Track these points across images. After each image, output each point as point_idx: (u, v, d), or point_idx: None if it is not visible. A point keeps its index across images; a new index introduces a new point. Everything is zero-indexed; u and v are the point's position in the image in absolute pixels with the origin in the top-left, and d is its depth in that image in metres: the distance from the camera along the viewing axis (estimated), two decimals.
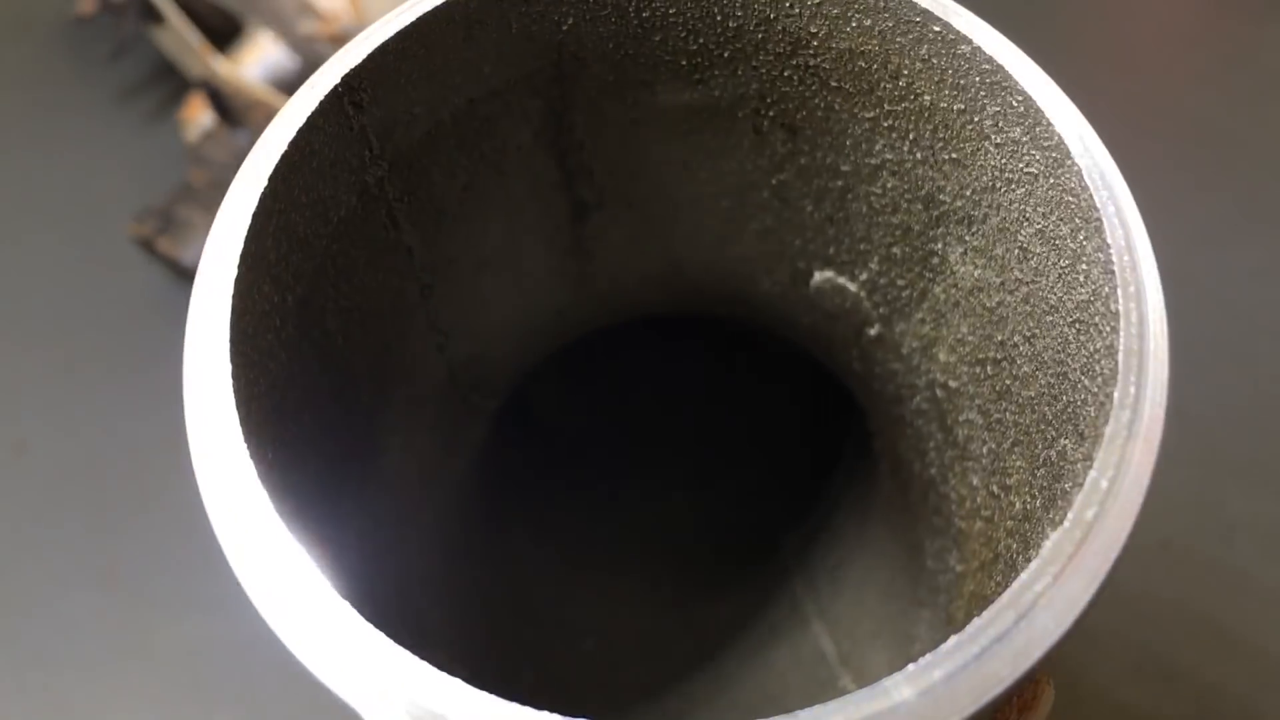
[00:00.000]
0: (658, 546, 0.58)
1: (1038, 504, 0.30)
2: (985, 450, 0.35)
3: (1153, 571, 0.60)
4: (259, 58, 0.79)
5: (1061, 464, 0.29)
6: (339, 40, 0.75)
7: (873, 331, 0.41)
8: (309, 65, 0.77)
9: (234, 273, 0.27)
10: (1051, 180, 0.30)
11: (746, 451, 0.61)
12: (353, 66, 0.31)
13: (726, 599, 0.56)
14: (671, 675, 0.54)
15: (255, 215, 0.28)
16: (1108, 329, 0.27)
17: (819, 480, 0.58)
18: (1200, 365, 0.68)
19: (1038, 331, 0.31)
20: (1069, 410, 0.29)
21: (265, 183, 0.28)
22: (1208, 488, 0.64)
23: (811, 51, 0.34)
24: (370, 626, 0.23)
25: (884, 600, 0.49)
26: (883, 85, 0.34)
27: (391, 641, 0.22)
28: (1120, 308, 0.26)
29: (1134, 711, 0.56)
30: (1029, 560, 0.24)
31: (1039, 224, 0.30)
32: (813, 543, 0.56)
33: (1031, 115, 0.30)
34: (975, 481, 0.36)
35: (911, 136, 0.34)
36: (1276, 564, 0.61)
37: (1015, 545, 0.31)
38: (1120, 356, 0.26)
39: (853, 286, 0.41)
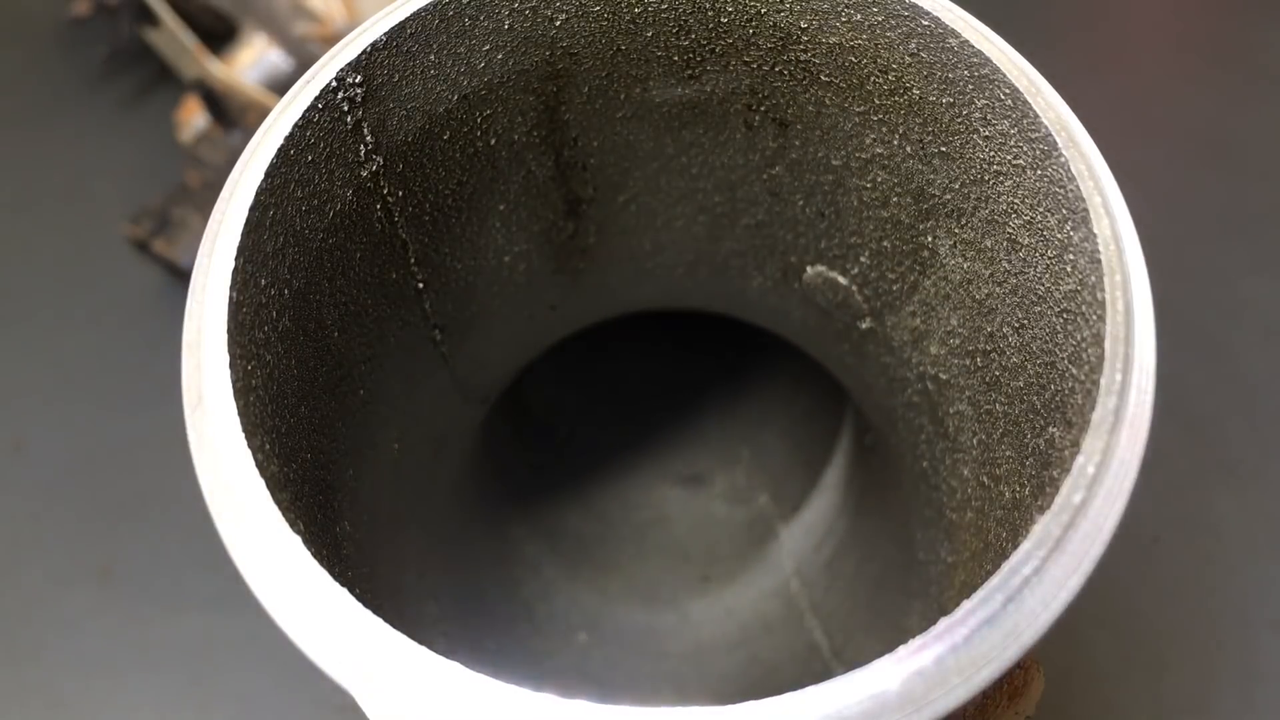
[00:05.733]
0: (651, 541, 0.58)
1: (1027, 492, 0.30)
2: (975, 441, 0.35)
3: (1143, 566, 0.60)
4: (253, 60, 0.79)
5: (1050, 452, 0.29)
6: (333, 42, 0.74)
7: (864, 325, 0.41)
8: (303, 67, 0.77)
9: (231, 265, 0.27)
10: (1039, 172, 0.30)
11: (739, 447, 0.61)
12: (348, 62, 0.31)
13: (720, 593, 0.56)
14: (665, 670, 0.54)
15: (252, 209, 0.28)
16: (1094, 318, 0.27)
17: (811, 475, 0.58)
18: (1189, 362, 0.69)
19: (1026, 322, 0.31)
20: (1057, 399, 0.29)
21: (262, 176, 0.29)
22: (1197, 484, 0.64)
23: (802, 47, 0.35)
24: (367, 611, 0.23)
25: (877, 593, 0.49)
26: (872, 80, 0.34)
27: (389, 626, 0.23)
28: (1106, 296, 0.27)
29: (1125, 703, 0.56)
30: (1018, 547, 0.24)
31: (1027, 215, 0.31)
32: (805, 537, 0.56)
33: (1019, 108, 0.30)
34: (966, 473, 0.36)
35: (901, 130, 0.34)
36: (1265, 559, 0.61)
37: (1005, 534, 0.32)
38: (1107, 344, 0.26)
39: (844, 281, 0.41)
